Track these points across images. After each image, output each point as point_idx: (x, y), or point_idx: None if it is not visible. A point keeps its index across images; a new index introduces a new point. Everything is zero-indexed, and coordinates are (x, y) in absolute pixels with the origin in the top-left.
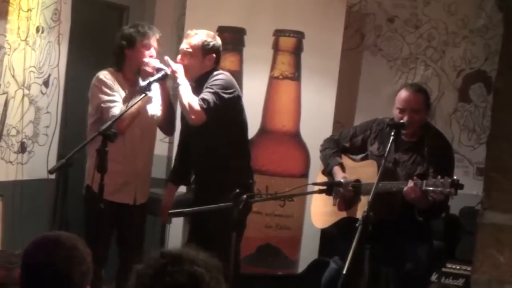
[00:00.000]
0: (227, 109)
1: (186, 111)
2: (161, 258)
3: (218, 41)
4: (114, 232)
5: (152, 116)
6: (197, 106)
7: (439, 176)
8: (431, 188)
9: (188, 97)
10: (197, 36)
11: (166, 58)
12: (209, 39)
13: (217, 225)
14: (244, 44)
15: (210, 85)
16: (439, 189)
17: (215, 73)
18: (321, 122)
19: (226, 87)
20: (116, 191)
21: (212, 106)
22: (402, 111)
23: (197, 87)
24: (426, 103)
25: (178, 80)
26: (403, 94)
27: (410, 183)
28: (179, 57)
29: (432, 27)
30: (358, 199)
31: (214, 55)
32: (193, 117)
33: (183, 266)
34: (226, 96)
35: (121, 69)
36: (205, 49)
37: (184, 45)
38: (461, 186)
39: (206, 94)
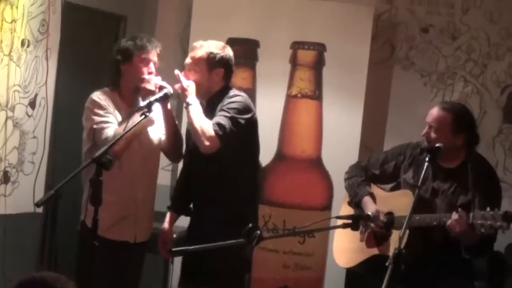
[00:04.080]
0: (241, 135)
1: (198, 136)
2: None
3: (228, 52)
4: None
5: (155, 140)
6: (211, 132)
7: (488, 208)
8: (479, 222)
9: (200, 120)
10: (202, 48)
11: (177, 72)
12: (216, 51)
13: (224, 264)
14: (258, 58)
15: (226, 108)
16: (489, 222)
17: (231, 93)
18: (346, 146)
19: (243, 110)
20: (113, 226)
21: (228, 133)
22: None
23: (209, 107)
24: (454, 126)
25: (188, 99)
26: (433, 108)
27: (455, 215)
28: (182, 73)
29: (472, 37)
30: (390, 234)
31: (222, 69)
32: (206, 143)
33: None
34: (243, 122)
35: (117, 87)
36: (210, 62)
37: (188, 59)
38: None
39: (222, 119)
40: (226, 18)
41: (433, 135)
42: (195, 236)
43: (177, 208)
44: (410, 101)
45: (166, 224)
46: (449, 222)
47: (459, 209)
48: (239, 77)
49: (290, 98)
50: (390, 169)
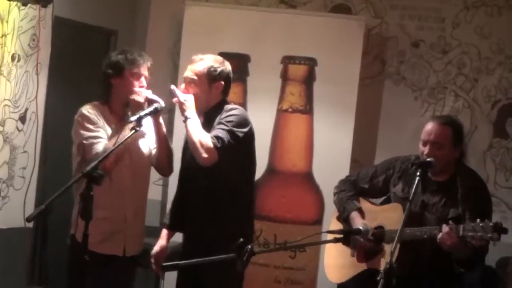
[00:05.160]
0: (239, 147)
1: (196, 149)
2: None
3: (227, 67)
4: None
5: (145, 155)
6: (210, 144)
7: (478, 220)
8: (470, 234)
9: (199, 133)
10: (203, 61)
11: (173, 87)
12: (216, 65)
13: (216, 279)
14: (249, 73)
15: (225, 121)
16: (479, 234)
17: (228, 107)
18: (337, 161)
19: (241, 124)
20: (103, 241)
21: (227, 146)
22: (424, 143)
23: (206, 121)
24: (454, 139)
25: (186, 113)
26: (429, 125)
27: (445, 228)
28: (182, 86)
29: (463, 52)
30: (380, 248)
31: (222, 82)
32: (205, 156)
33: None
34: (241, 135)
35: (107, 101)
36: (211, 76)
37: (188, 72)
38: (505, 230)
39: (220, 132)
40: (217, 33)
41: (438, 152)
42: (190, 252)
43: (172, 225)
44: (401, 115)
45: (162, 241)
46: (440, 235)
47: (450, 222)
48: (230, 91)
49: (281, 113)
50: (380, 183)
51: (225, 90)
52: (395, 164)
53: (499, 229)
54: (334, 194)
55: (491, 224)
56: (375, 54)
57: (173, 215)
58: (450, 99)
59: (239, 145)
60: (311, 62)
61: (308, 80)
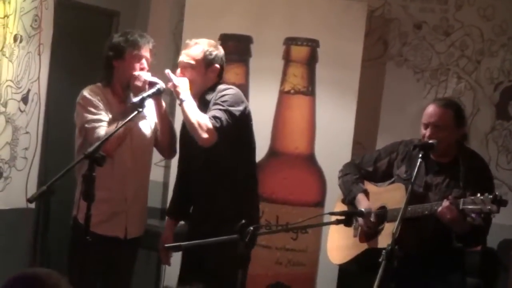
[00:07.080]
0: (237, 127)
1: (196, 130)
2: None
3: (221, 50)
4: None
5: (147, 136)
6: (209, 124)
7: (478, 194)
8: (469, 207)
9: (196, 115)
10: (198, 46)
11: (168, 71)
12: (211, 49)
13: (218, 260)
14: (251, 54)
15: (220, 101)
16: (479, 206)
17: (221, 87)
18: (339, 143)
19: (235, 102)
20: (104, 222)
21: (225, 125)
22: (426, 126)
23: (201, 104)
24: (455, 120)
25: (181, 96)
26: (429, 108)
27: (445, 203)
28: (178, 71)
29: (466, 34)
30: (382, 227)
31: (217, 65)
32: (205, 136)
33: None
34: (237, 113)
35: (109, 83)
36: (207, 60)
37: (184, 57)
38: (504, 203)
39: (217, 112)
40: (219, 15)
41: (439, 134)
42: (196, 235)
43: (175, 214)
44: (403, 97)
45: (166, 231)
46: (439, 209)
47: (450, 196)
48: (233, 72)
49: (283, 94)
50: (383, 167)
51: (220, 73)
52: (399, 147)
53: (499, 201)
54: (339, 177)
55: (490, 196)
56: (378, 36)
57: (174, 203)
58: (453, 81)
59: (236, 124)
60: (313, 44)
61: (311, 62)
